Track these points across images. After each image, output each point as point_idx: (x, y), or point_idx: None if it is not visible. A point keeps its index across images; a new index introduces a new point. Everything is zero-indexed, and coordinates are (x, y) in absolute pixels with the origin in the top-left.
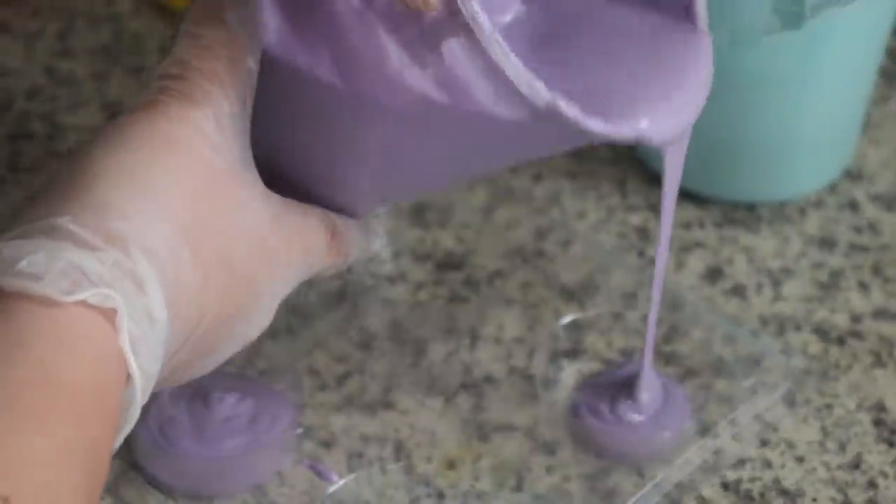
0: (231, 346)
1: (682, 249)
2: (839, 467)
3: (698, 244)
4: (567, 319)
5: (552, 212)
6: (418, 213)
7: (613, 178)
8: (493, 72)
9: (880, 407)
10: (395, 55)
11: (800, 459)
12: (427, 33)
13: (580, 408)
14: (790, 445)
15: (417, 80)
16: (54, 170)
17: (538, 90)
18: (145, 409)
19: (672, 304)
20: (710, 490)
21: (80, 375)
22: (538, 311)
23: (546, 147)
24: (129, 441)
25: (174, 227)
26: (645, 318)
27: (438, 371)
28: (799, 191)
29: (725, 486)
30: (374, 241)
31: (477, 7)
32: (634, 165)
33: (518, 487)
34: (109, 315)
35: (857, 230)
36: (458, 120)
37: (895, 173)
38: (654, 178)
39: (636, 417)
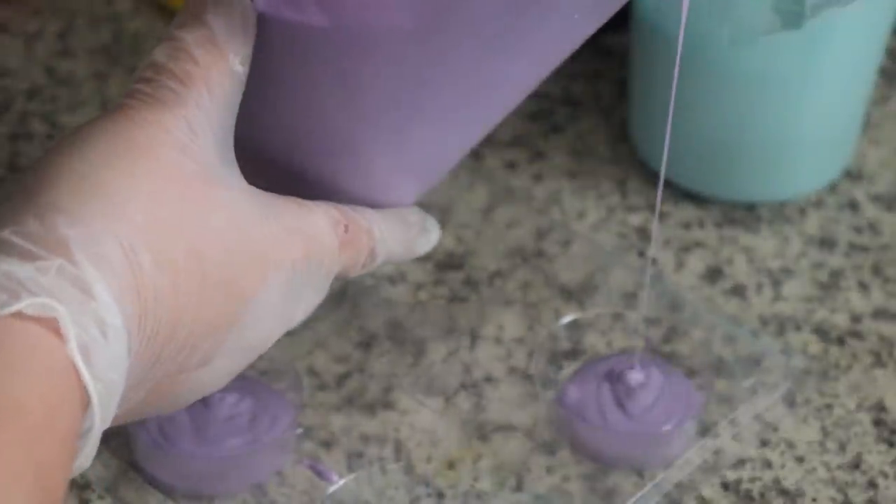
0: (231, 359)
1: (681, 249)
2: (839, 467)
3: (698, 244)
4: (567, 319)
5: (552, 212)
6: None
7: (613, 178)
8: None
9: (880, 407)
10: None
11: (800, 459)
12: None
13: (571, 413)
14: (790, 445)
15: None
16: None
17: None
18: None
19: (672, 304)
20: (710, 490)
21: (26, 393)
22: (538, 311)
23: (549, 32)
24: (128, 441)
25: (130, 230)
26: (645, 319)
27: (438, 371)
28: (799, 191)
29: (725, 486)
30: (422, 237)
31: None
32: (635, 165)
33: (518, 487)
34: (54, 326)
35: (857, 230)
36: (448, 18)
37: (895, 173)
38: (654, 178)
39: (630, 424)
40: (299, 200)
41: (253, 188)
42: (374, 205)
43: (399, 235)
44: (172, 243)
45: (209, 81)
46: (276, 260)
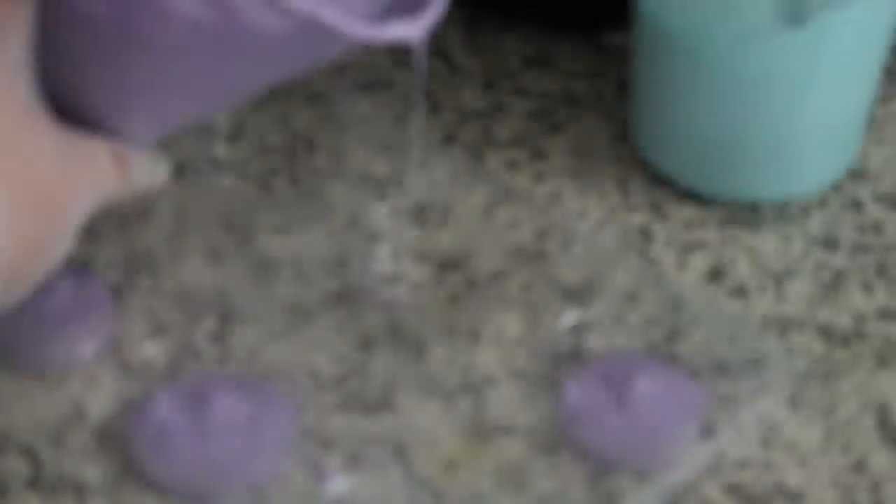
0: (40, 273)
1: (684, 249)
2: (842, 469)
3: (701, 244)
4: (567, 319)
5: (553, 212)
6: (418, 213)
7: (615, 178)
8: None
9: (884, 408)
10: None
11: (803, 461)
12: None
13: (571, 414)
14: (793, 447)
15: (186, 5)
16: None
17: (303, 2)
18: (144, 410)
19: (674, 304)
20: (711, 491)
21: None
22: (538, 311)
23: (310, 57)
24: (127, 442)
25: None
26: (646, 319)
27: (438, 371)
28: (802, 190)
29: (727, 487)
30: (160, 170)
31: None
32: (636, 165)
33: (518, 488)
34: None
35: (861, 230)
36: (226, 38)
37: None
38: (655, 178)
39: (631, 425)
40: (86, 134)
41: (55, 121)
42: (135, 143)
43: (149, 167)
44: (8, 168)
45: (16, 22)
46: (80, 185)
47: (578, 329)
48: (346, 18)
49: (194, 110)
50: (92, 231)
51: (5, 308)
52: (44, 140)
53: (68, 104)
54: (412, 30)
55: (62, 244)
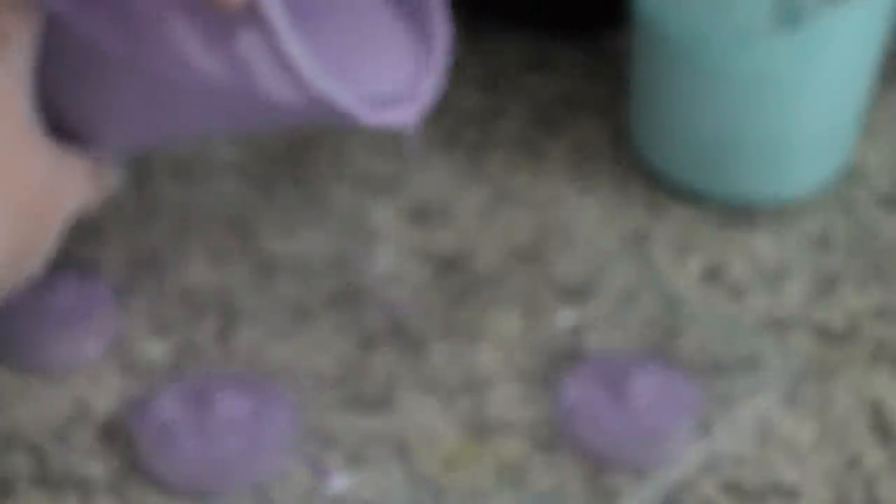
0: (20, 280)
1: (681, 249)
2: (837, 466)
3: (697, 244)
4: (565, 319)
5: (552, 212)
6: (418, 213)
7: (613, 179)
8: (284, 64)
9: (878, 406)
10: (184, 36)
11: (798, 458)
12: (222, 22)
13: (570, 413)
14: (788, 444)
15: (204, 62)
16: None
17: (324, 82)
18: (147, 408)
19: (671, 304)
20: (708, 489)
21: None
22: (537, 311)
23: (301, 119)
24: (129, 441)
25: None
26: (643, 318)
27: (438, 370)
28: (798, 191)
29: (724, 485)
30: (118, 179)
31: (277, 6)
32: (634, 166)
33: (518, 487)
34: None
35: (856, 230)
36: (232, 97)
37: (894, 174)
38: (653, 179)
39: (630, 423)
40: (69, 148)
41: (45, 135)
42: (105, 157)
43: (113, 177)
44: (5, 183)
45: (22, 39)
46: (65, 197)
47: (577, 328)
48: (357, 104)
49: (175, 137)
50: (96, 232)
51: None
52: (37, 156)
53: (49, 114)
54: (408, 116)
55: (44, 252)
